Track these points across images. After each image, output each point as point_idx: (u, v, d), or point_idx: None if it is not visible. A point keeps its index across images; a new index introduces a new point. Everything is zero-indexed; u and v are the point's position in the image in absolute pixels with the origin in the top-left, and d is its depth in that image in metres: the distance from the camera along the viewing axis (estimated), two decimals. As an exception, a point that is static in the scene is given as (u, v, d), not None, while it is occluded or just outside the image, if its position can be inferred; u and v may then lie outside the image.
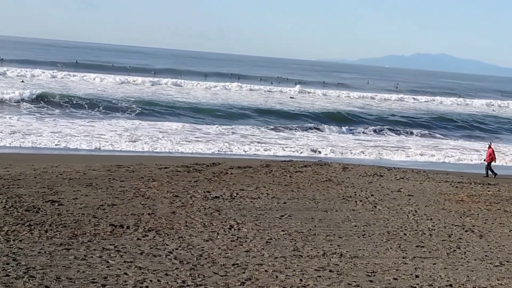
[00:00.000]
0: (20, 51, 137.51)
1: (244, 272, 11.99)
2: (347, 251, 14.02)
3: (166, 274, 11.55)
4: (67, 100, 50.20)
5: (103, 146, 31.32)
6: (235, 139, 38.66)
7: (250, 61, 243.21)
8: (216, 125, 44.48)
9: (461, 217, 18.76)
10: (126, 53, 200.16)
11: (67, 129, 36.17)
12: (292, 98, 71.19)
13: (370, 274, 12.49)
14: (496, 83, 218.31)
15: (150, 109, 50.91)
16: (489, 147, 31.37)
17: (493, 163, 30.47)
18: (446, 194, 22.51)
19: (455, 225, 17.58)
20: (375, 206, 19.32)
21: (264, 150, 35.08)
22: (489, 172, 29.87)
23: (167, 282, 11.11)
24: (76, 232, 13.94)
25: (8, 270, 11.07)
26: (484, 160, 30.80)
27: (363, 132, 49.77)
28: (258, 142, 38.00)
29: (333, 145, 39.80)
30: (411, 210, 19.19)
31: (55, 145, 30.64)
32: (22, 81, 63.23)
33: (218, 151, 33.41)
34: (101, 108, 48.91)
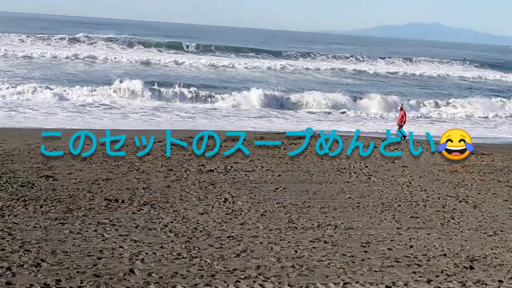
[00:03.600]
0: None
1: (239, 244, 12.05)
2: (341, 223, 14.08)
3: (162, 247, 11.59)
4: None
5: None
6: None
7: (245, 33, 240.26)
8: None
9: (455, 188, 18.83)
10: (130, 26, 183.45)
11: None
12: None
13: (364, 244, 12.57)
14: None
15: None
16: (401, 109, 30.89)
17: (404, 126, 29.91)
18: (440, 165, 22.56)
19: (449, 196, 17.66)
20: (369, 178, 19.37)
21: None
22: (403, 133, 29.26)
23: (163, 255, 11.16)
24: (71, 207, 13.95)
25: (4, 245, 11.11)
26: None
27: None
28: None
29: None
30: (405, 182, 19.25)
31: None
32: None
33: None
34: None
